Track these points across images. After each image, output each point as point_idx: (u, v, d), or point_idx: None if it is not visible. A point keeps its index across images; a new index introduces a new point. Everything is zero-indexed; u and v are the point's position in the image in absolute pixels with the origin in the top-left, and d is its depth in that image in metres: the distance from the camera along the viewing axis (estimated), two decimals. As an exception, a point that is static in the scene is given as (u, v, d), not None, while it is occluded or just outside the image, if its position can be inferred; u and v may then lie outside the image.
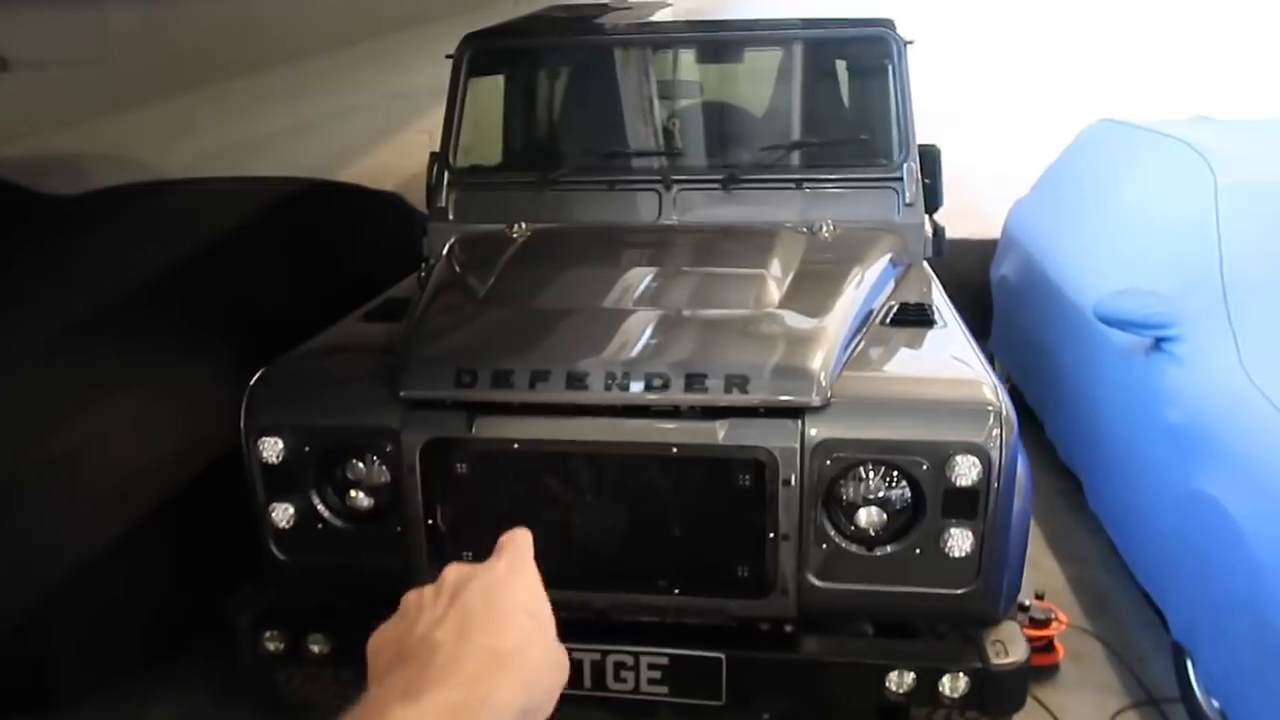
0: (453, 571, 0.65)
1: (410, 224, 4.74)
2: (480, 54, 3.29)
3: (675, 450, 1.99)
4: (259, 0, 5.73)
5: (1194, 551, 2.59)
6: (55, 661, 2.47)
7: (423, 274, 3.04)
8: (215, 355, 3.24)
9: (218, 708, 2.92)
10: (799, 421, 1.97)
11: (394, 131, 6.11)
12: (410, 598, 0.64)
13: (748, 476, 1.99)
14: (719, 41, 3.51)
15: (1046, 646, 2.89)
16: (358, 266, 4.13)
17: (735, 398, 1.96)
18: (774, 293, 2.35)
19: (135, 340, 3.12)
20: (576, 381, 1.99)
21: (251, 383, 2.21)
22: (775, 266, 2.50)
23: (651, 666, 2.04)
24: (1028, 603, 2.91)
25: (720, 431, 1.97)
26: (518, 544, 0.68)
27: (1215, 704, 2.58)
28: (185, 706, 2.94)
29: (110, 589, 2.77)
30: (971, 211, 4.71)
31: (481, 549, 0.67)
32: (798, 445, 1.95)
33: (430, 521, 2.10)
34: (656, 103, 3.38)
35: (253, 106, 6.08)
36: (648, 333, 2.14)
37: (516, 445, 2.04)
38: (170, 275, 3.45)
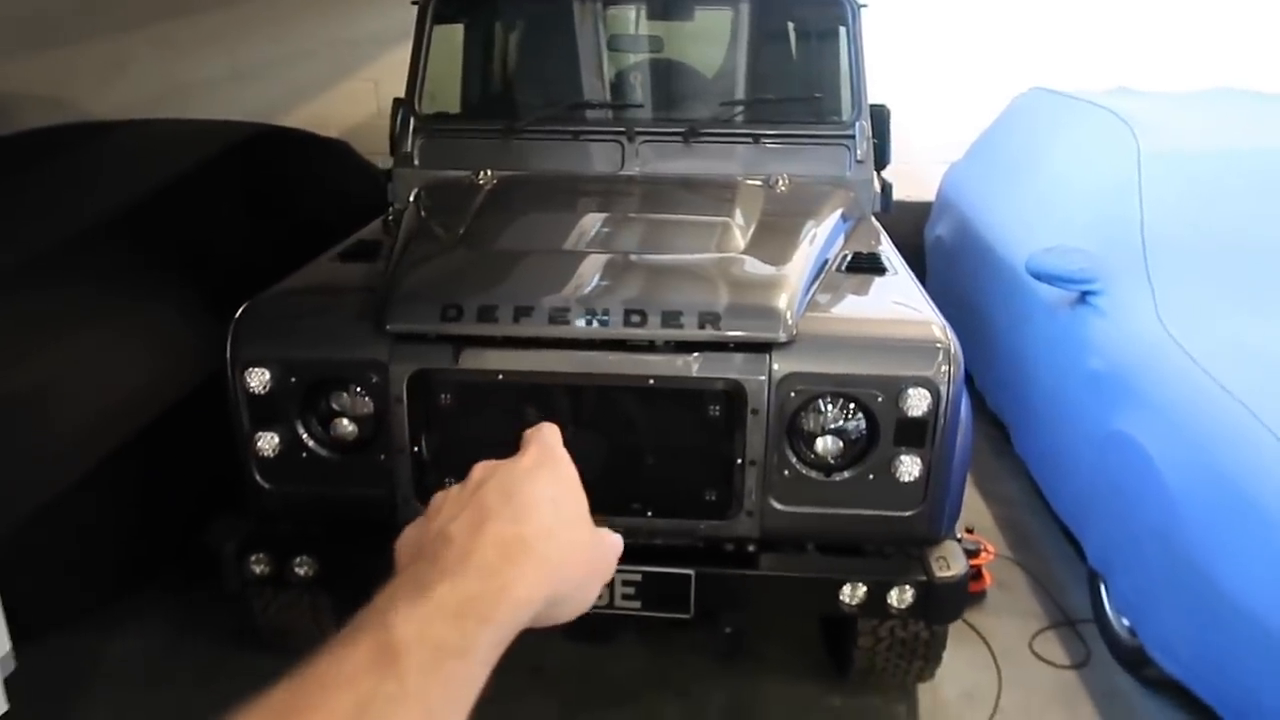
0: (479, 470, 0.64)
1: (357, 171, 4.78)
2: (445, 1, 3.33)
3: (651, 382, 2.12)
4: (199, -60, 5.60)
5: (1111, 487, 2.84)
6: (17, 596, 2.51)
7: (389, 218, 3.10)
8: (172, 294, 3.26)
9: (178, 641, 2.99)
10: (766, 356, 2.12)
11: (338, 79, 6.04)
12: (436, 497, 0.63)
13: (718, 407, 2.14)
14: None
15: (976, 575, 3.12)
16: (307, 212, 4.15)
17: (708, 333, 2.10)
18: (739, 239, 2.49)
19: (90, 279, 3.12)
20: (559, 316, 2.11)
21: (237, 316, 2.27)
22: (739, 215, 2.64)
23: (625, 583, 2.19)
24: (960, 536, 3.14)
25: (694, 365, 2.11)
26: (543, 437, 0.67)
27: (1125, 623, 2.84)
28: (146, 640, 2.99)
29: (72, 525, 2.80)
30: (908, 175, 4.91)
31: (463, 477, 0.65)
32: (765, 378, 2.10)
33: (415, 450, 2.20)
34: (614, 56, 3.48)
35: (191, 49, 5.95)
36: (625, 273, 2.26)
37: (500, 376, 2.15)
38: (124, 215, 3.44)
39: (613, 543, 0.66)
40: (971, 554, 3.11)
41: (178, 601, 3.13)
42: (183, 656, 2.92)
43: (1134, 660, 2.80)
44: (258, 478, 2.30)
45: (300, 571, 2.31)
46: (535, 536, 0.58)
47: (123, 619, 3.06)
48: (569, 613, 0.61)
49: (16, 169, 3.70)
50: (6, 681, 2.29)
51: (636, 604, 2.20)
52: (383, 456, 2.23)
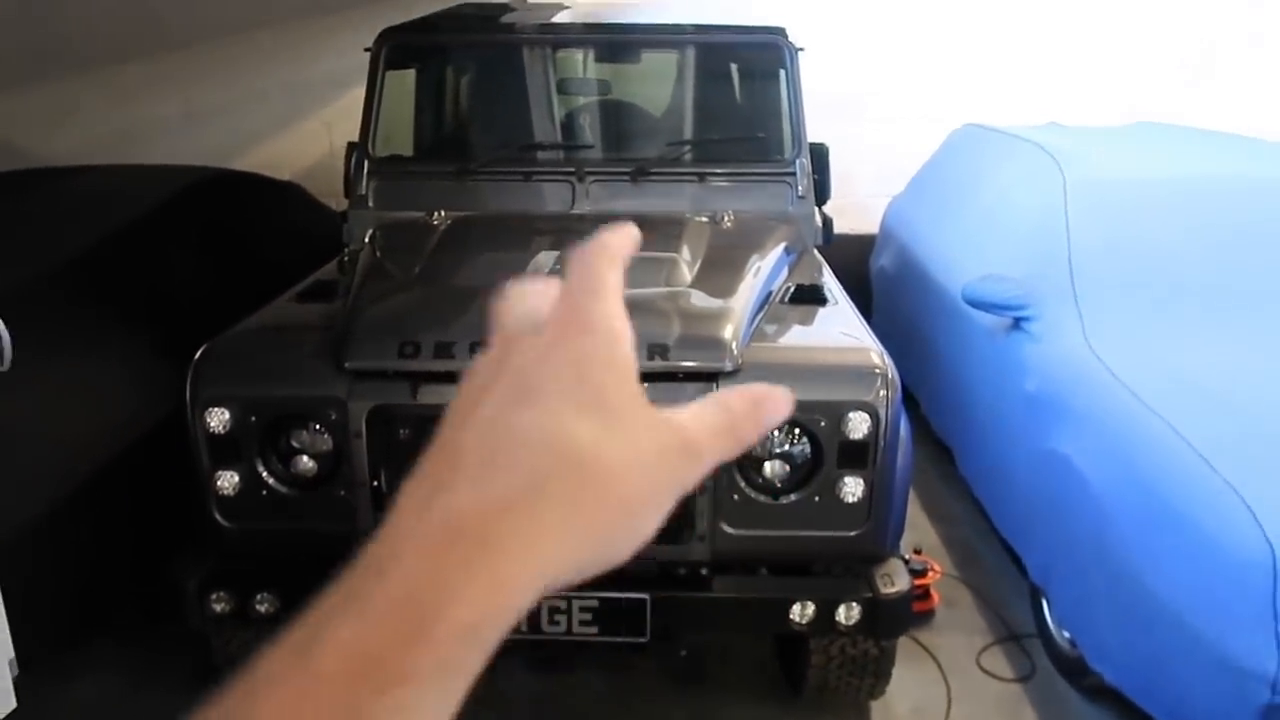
0: (493, 351, 0.45)
1: (311, 213, 4.83)
2: (397, 48, 3.42)
3: (603, 412, 2.20)
4: (150, -15, 5.65)
5: (1048, 503, 2.96)
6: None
7: (345, 258, 3.16)
8: (125, 339, 3.27)
9: (135, 688, 2.96)
10: (713, 385, 2.21)
11: (292, 121, 6.09)
12: (464, 381, 0.45)
13: (668, 435, 2.22)
14: (619, 44, 3.75)
15: (923, 594, 3.22)
16: (262, 254, 4.18)
17: (658, 364, 2.19)
18: (686, 274, 2.59)
19: (41, 325, 3.12)
20: (514, 351, 2.18)
21: (197, 356, 2.31)
22: (686, 251, 2.74)
23: (583, 609, 2.25)
24: (907, 557, 3.24)
25: (644, 395, 2.20)
26: (585, 269, 0.45)
27: (1066, 635, 2.95)
28: (101, 688, 2.97)
29: (24, 570, 2.79)
30: (852, 208, 5.08)
31: None
32: (713, 406, 2.19)
33: (375, 484, 2.25)
34: (564, 99, 3.59)
35: (143, 93, 5.96)
36: (576, 308, 2.34)
37: (457, 410, 2.21)
38: (76, 260, 3.45)
39: (704, 422, 0.44)
40: (919, 574, 3.22)
41: (134, 647, 3.12)
42: (141, 704, 2.90)
43: (1076, 671, 2.91)
44: (218, 516, 2.33)
45: (262, 609, 2.34)
46: (504, 504, 0.39)
47: (76, 667, 3.03)
48: (609, 563, 0.42)
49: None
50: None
51: (594, 629, 2.26)
52: (343, 492, 2.28)
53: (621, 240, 0.47)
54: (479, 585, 0.37)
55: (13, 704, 2.25)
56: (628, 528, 0.41)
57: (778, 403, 0.46)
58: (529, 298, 0.47)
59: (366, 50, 3.41)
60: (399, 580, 0.37)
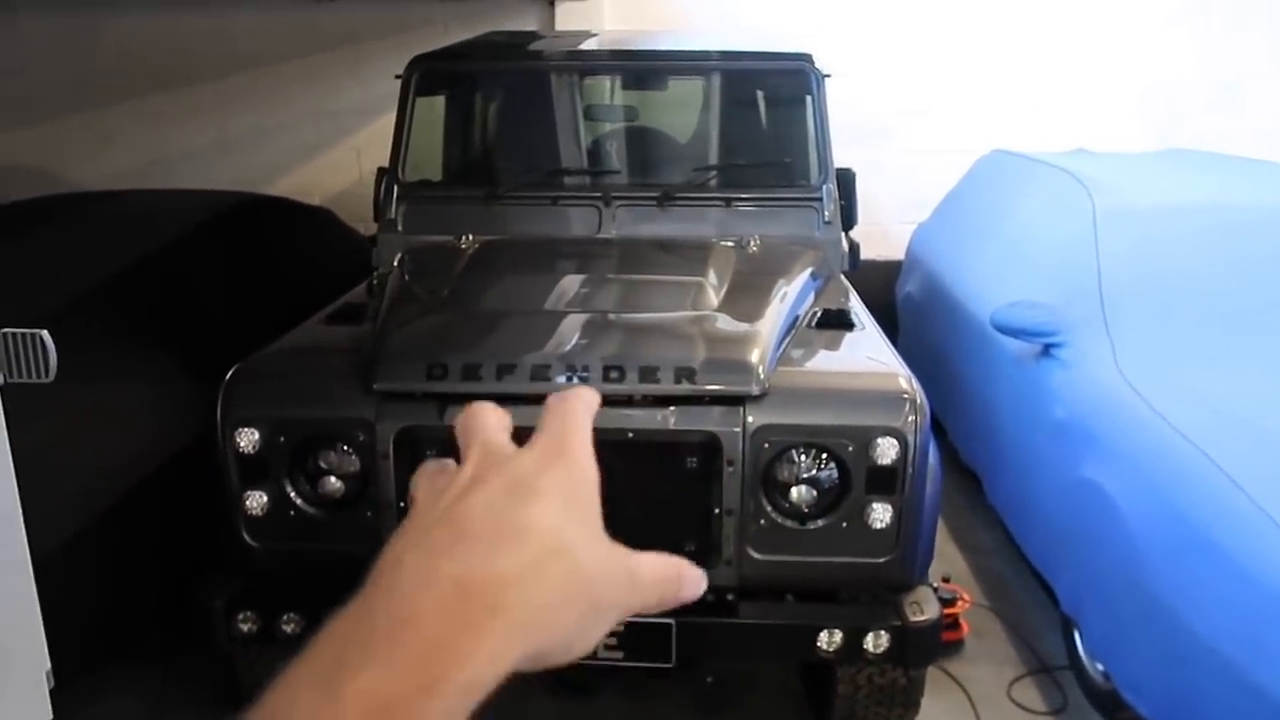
0: (475, 454, 0.51)
1: (342, 237, 4.88)
2: (427, 75, 3.47)
3: (630, 435, 2.20)
4: (185, 16, 5.76)
5: (1079, 533, 2.92)
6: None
7: (374, 282, 3.19)
8: (157, 362, 3.31)
9: (160, 711, 2.96)
10: (740, 409, 2.20)
11: (322, 149, 6.17)
12: (431, 477, 0.51)
13: (694, 459, 2.22)
14: (646, 70, 3.78)
15: (953, 624, 3.18)
16: (291, 278, 4.23)
17: (685, 387, 2.19)
18: (713, 298, 2.59)
19: (75, 349, 3.16)
20: (540, 373, 2.19)
21: (228, 377, 2.33)
22: (712, 275, 2.75)
23: (608, 634, 2.23)
24: (936, 585, 3.20)
25: (671, 418, 2.20)
26: (563, 417, 0.52)
27: (1099, 667, 2.90)
28: (126, 712, 2.97)
29: (51, 593, 2.80)
30: (878, 234, 5.07)
31: None
32: (739, 430, 2.19)
33: (401, 505, 2.26)
34: (591, 125, 3.62)
35: (176, 121, 6.07)
36: (604, 332, 2.35)
37: (484, 433, 2.22)
38: (110, 284, 3.51)
39: (646, 567, 0.51)
40: (948, 603, 3.18)
41: (160, 668, 3.13)
42: (167, 725, 2.91)
43: (1110, 704, 2.85)
44: (246, 536, 2.35)
45: (288, 629, 2.34)
46: (515, 577, 0.44)
47: (103, 687, 3.04)
48: (563, 659, 0.47)
49: (2, 240, 3.77)
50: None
51: (619, 654, 2.25)
52: (370, 513, 2.28)
53: (594, 397, 0.55)
54: (487, 647, 0.43)
55: (49, 715, 2.26)
56: (590, 628, 0.48)
57: (697, 587, 0.53)
58: (491, 413, 0.54)
59: (397, 77, 3.45)
60: (417, 636, 0.42)
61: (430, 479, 0.52)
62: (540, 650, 0.46)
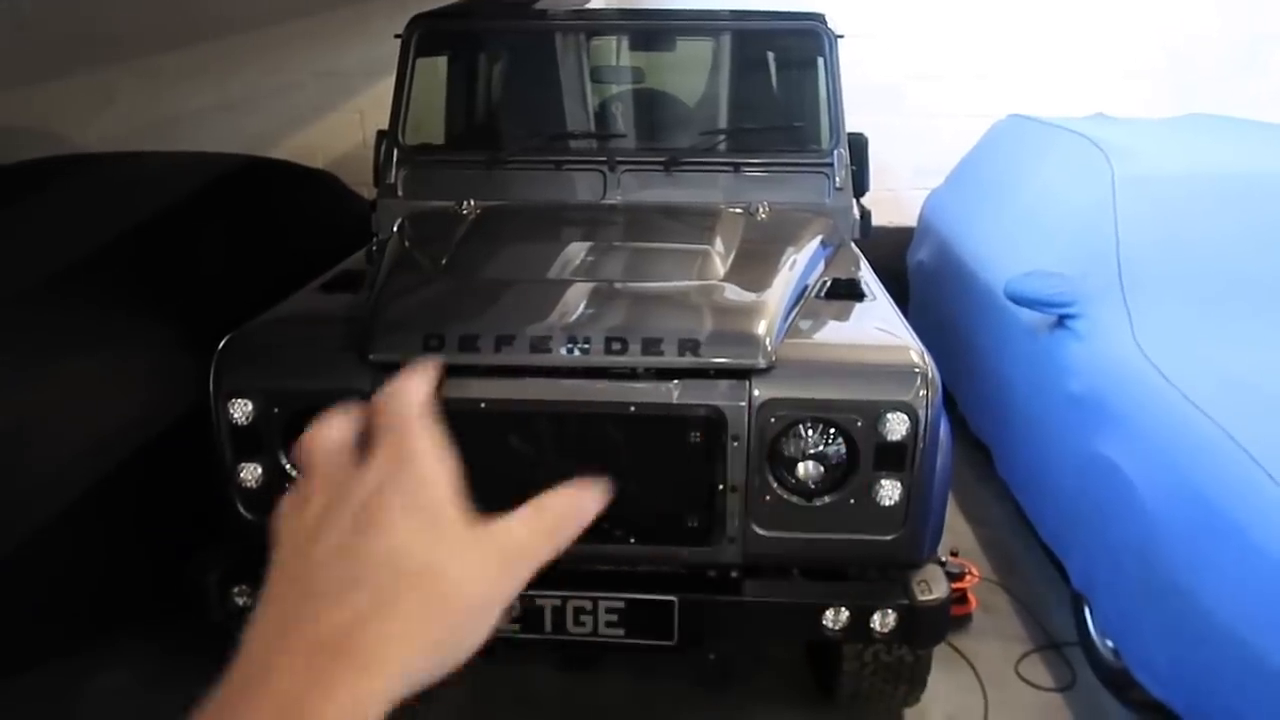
0: (319, 480, 0.50)
1: (344, 202, 4.81)
2: (428, 35, 3.38)
3: (633, 409, 2.14)
4: (186, -26, 5.66)
5: (1092, 508, 2.86)
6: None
7: (373, 248, 3.13)
8: (157, 327, 3.26)
9: (158, 682, 2.95)
10: (746, 382, 2.14)
11: (324, 110, 6.08)
12: (282, 529, 0.50)
13: (699, 433, 2.15)
14: (654, 30, 3.68)
15: (961, 598, 3.14)
16: (294, 243, 4.16)
17: (688, 360, 2.12)
18: (719, 267, 2.52)
19: (73, 312, 3.12)
20: (540, 345, 2.13)
21: (220, 347, 2.28)
22: (719, 243, 2.67)
23: (609, 610, 2.19)
24: (944, 559, 3.15)
25: (674, 391, 2.13)
26: (393, 416, 0.51)
27: (1109, 644, 2.85)
28: (125, 680, 2.96)
29: (49, 563, 2.77)
30: (889, 201, 4.98)
31: None
32: (745, 404, 2.12)
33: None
34: (597, 87, 3.53)
35: (178, 82, 5.99)
36: (607, 302, 2.28)
37: (483, 405, 2.16)
38: (110, 246, 3.45)
39: (518, 531, 0.50)
40: (956, 577, 3.14)
41: (155, 642, 3.10)
42: (164, 697, 2.88)
43: (1119, 682, 2.81)
44: (241, 508, 2.30)
45: (283, 602, 2.30)
46: (363, 618, 0.44)
47: (99, 663, 3.02)
48: (453, 666, 0.47)
49: (3, 201, 3.71)
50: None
51: (620, 632, 2.20)
52: None
53: (421, 381, 0.53)
54: (342, 695, 0.42)
55: None
56: (470, 630, 0.47)
57: (588, 502, 0.52)
58: (332, 430, 0.52)
59: (397, 36, 3.37)
60: (269, 697, 0.42)
61: (287, 520, 0.50)
62: (417, 675, 0.45)
